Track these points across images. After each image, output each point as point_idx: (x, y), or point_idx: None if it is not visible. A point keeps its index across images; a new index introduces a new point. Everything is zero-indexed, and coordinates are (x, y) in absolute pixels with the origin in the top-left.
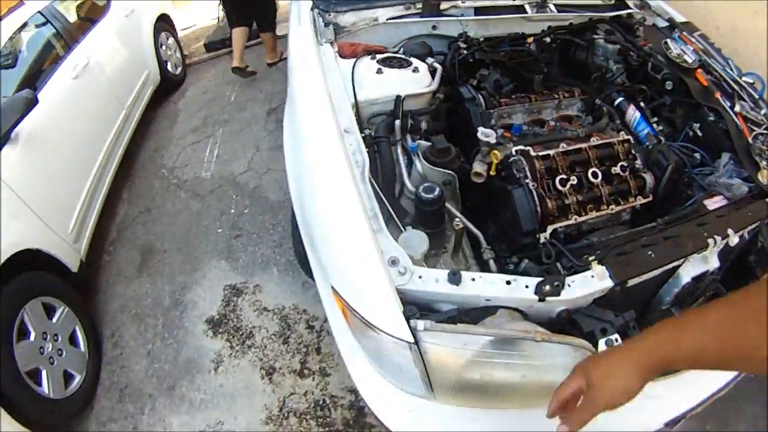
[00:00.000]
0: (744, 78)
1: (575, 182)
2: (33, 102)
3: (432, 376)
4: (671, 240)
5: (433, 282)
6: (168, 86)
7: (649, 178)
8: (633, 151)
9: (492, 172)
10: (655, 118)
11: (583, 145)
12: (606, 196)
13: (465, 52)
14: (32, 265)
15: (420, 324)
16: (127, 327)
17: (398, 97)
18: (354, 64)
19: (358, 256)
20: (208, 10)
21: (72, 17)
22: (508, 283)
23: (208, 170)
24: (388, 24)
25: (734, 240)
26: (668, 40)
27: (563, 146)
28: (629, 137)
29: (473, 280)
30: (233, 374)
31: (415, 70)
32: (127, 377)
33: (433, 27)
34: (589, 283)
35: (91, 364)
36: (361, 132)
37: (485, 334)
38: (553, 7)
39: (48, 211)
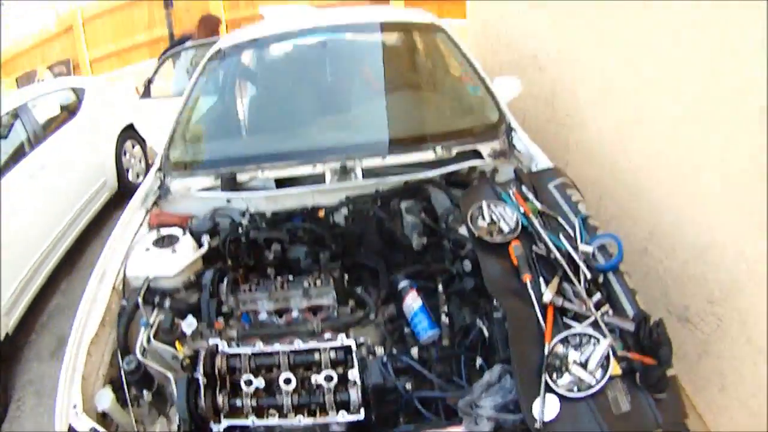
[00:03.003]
0: (586, 247)
1: (262, 385)
2: None
3: None
4: None
5: None
6: (127, 193)
7: (354, 394)
8: (353, 357)
9: (186, 362)
10: (446, 308)
11: (279, 348)
12: (289, 405)
13: (240, 230)
14: None
15: None
16: (29, 398)
17: (146, 278)
18: (135, 239)
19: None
20: None
21: (43, 119)
22: None
23: None
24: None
25: None
26: (483, 204)
27: (258, 346)
28: (350, 343)
29: None
30: None
31: (174, 251)
32: None
33: (228, 200)
34: None
35: None
36: (124, 298)
37: None
38: (359, 172)
39: None
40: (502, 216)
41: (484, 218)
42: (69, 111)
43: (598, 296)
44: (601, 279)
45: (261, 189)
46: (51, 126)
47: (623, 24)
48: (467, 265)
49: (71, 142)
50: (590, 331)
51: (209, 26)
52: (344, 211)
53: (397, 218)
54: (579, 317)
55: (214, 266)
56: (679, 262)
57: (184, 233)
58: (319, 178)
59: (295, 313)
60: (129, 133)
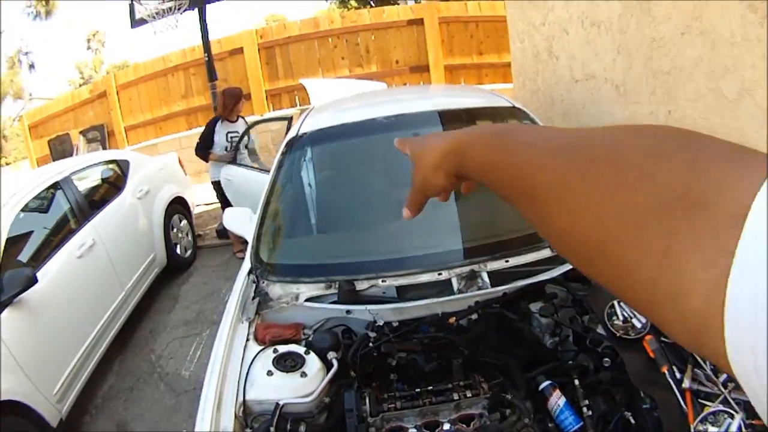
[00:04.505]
0: None
1: None
2: (32, 281)
3: None
4: None
5: None
6: (175, 267)
7: None
8: None
9: None
10: (586, 401)
11: None
12: None
13: (371, 344)
14: (18, 412)
15: None
16: None
17: (277, 404)
18: (253, 359)
19: None
20: None
21: (85, 192)
22: None
23: (188, 369)
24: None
25: None
26: (615, 303)
27: None
28: None
29: None
30: None
31: (303, 374)
32: None
33: (348, 312)
34: None
35: None
36: (248, 427)
37: None
38: (485, 277)
39: (37, 371)
40: (633, 313)
41: (617, 316)
42: (113, 184)
43: (724, 376)
44: None
45: (382, 297)
46: (97, 200)
47: (689, 96)
48: (606, 361)
49: (119, 218)
50: (722, 408)
51: (232, 98)
52: (474, 316)
53: (526, 318)
54: (711, 396)
55: (348, 384)
56: None
57: (307, 352)
58: (442, 284)
59: (446, 426)
60: (175, 206)
